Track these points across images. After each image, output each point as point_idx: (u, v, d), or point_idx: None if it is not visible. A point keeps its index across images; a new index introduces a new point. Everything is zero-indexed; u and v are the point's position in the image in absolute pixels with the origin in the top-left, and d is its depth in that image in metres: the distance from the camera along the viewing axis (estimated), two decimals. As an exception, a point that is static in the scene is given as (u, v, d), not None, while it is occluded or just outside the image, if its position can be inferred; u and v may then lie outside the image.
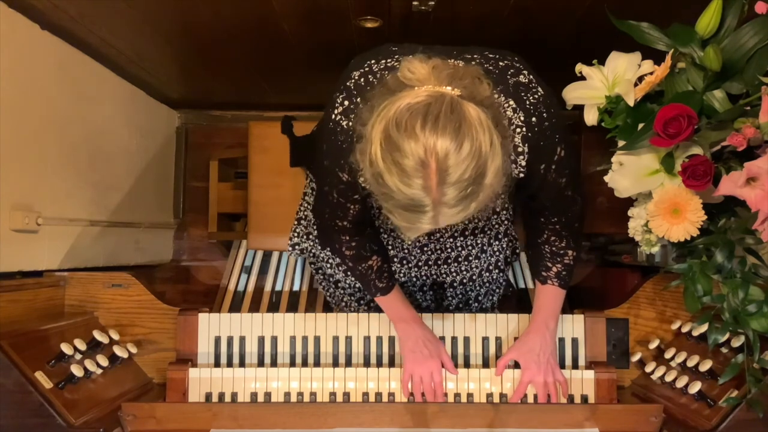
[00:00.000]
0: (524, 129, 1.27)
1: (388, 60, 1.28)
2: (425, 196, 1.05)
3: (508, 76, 1.28)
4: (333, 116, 1.28)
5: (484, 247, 1.69)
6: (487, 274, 1.74)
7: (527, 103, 1.27)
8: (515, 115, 1.26)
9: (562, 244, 1.50)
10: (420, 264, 1.72)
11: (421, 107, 1.04)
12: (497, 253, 1.71)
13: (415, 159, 1.02)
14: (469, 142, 1.03)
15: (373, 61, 1.29)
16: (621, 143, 1.33)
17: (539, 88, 1.29)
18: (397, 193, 1.05)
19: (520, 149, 1.28)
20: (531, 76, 1.29)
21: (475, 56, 1.29)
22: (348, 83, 1.28)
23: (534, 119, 1.27)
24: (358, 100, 1.25)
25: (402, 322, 1.62)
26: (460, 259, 1.70)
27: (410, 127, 1.03)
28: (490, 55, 1.30)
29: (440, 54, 1.20)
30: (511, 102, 1.26)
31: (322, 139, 1.34)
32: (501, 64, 1.29)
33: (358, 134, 1.17)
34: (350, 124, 1.25)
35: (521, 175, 1.31)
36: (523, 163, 1.30)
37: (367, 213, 1.48)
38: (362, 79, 1.27)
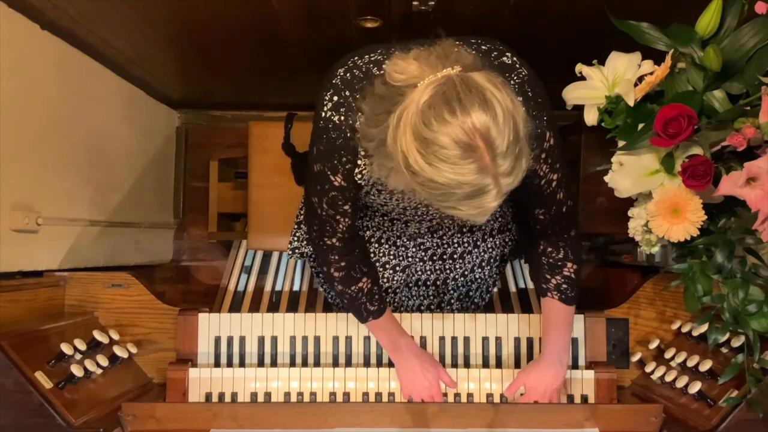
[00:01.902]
0: None
1: (372, 54, 1.27)
2: (485, 177, 1.02)
3: (492, 58, 1.27)
4: (323, 114, 1.27)
5: (478, 243, 1.69)
6: (479, 270, 1.74)
7: (512, 82, 1.25)
8: None
9: (560, 255, 1.47)
10: (416, 260, 1.72)
11: (439, 98, 1.02)
12: (490, 250, 1.71)
13: (461, 146, 1.00)
14: (499, 107, 1.02)
15: (356, 57, 1.28)
16: (621, 143, 1.33)
17: (523, 69, 1.27)
18: (455, 186, 1.03)
19: None
20: (515, 58, 1.28)
21: (457, 42, 1.28)
22: (334, 80, 1.27)
23: (520, 98, 1.23)
24: (347, 93, 1.24)
25: (396, 352, 1.60)
26: (455, 256, 1.71)
27: (440, 119, 1.00)
28: (472, 40, 1.29)
29: (418, 45, 1.18)
30: None
31: (314, 141, 1.32)
32: (484, 47, 1.28)
33: (363, 149, 1.15)
34: (342, 118, 1.24)
35: None
36: None
37: (356, 231, 1.46)
38: (348, 74, 1.26)
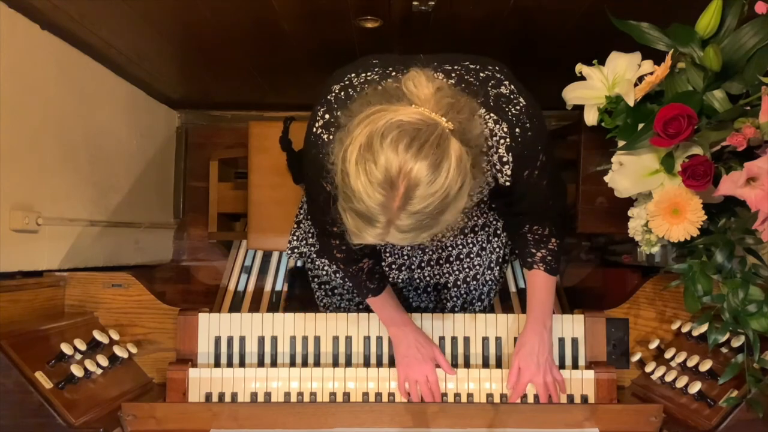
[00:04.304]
0: (508, 140, 1.27)
1: (368, 73, 1.29)
2: (381, 213, 1.05)
3: (489, 87, 1.28)
4: (314, 129, 1.28)
5: (484, 245, 1.70)
6: (489, 272, 1.74)
7: (509, 114, 1.27)
8: (497, 126, 1.26)
9: (545, 232, 1.51)
10: (423, 265, 1.72)
11: (411, 129, 1.03)
12: (497, 250, 1.71)
13: (386, 175, 1.02)
14: (443, 180, 1.04)
15: (353, 75, 1.29)
16: (621, 143, 1.33)
17: (521, 98, 1.29)
18: (356, 199, 1.06)
19: (505, 159, 1.29)
20: (512, 86, 1.30)
21: (456, 68, 1.29)
22: (328, 96, 1.29)
23: (518, 130, 1.27)
24: (339, 113, 1.25)
25: (394, 326, 1.62)
26: (462, 257, 1.70)
27: (394, 143, 1.02)
28: (471, 66, 1.30)
29: (422, 66, 1.19)
30: (492, 115, 1.26)
31: (305, 149, 1.35)
32: (482, 75, 1.29)
33: (342, 117, 1.17)
34: (331, 137, 1.25)
35: (507, 183, 1.32)
36: (509, 173, 1.31)
37: None
38: (342, 93, 1.28)
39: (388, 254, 1.70)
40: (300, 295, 2.44)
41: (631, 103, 1.32)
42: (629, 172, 1.32)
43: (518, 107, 1.28)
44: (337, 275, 1.79)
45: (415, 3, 1.63)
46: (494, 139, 1.26)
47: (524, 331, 1.61)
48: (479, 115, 1.17)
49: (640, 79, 1.33)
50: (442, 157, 1.04)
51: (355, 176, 1.05)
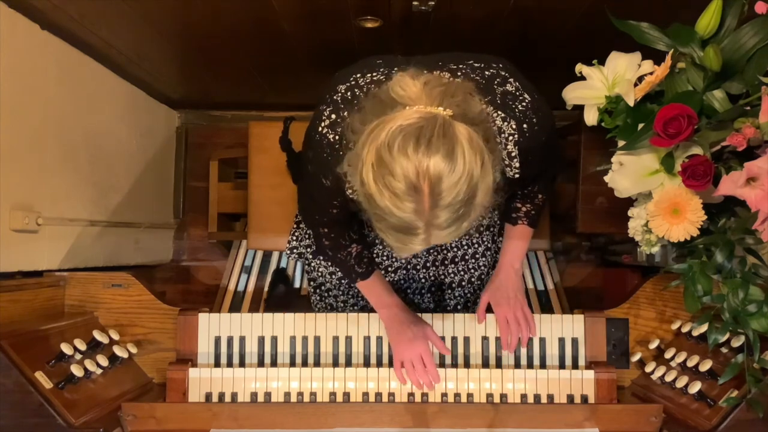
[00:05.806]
0: (516, 136, 1.28)
1: (374, 74, 1.29)
2: (417, 219, 1.05)
3: (495, 86, 1.29)
4: (320, 129, 1.28)
5: (489, 245, 1.70)
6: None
7: (517, 111, 1.28)
8: (505, 124, 1.27)
9: (535, 189, 1.55)
10: (428, 265, 1.72)
11: (414, 130, 1.03)
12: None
13: (407, 182, 1.02)
14: (462, 165, 1.04)
15: (358, 75, 1.30)
16: (621, 143, 1.33)
17: (526, 95, 1.30)
18: (388, 215, 1.06)
19: (513, 154, 1.30)
20: (517, 83, 1.30)
21: (461, 66, 1.30)
22: (335, 96, 1.29)
23: (525, 126, 1.28)
24: (345, 114, 1.25)
25: (384, 308, 1.63)
26: (467, 257, 1.70)
27: (402, 149, 1.02)
28: (476, 65, 1.31)
29: (426, 65, 1.20)
30: (500, 113, 1.27)
31: (308, 147, 1.35)
32: (487, 73, 1.30)
33: (347, 141, 1.17)
34: (336, 137, 1.26)
35: (516, 176, 1.33)
36: (517, 165, 1.32)
37: (348, 216, 1.48)
38: (348, 93, 1.28)
39: (385, 257, 1.70)
40: (278, 297, 2.43)
41: (631, 103, 1.32)
42: (629, 172, 1.32)
43: (524, 103, 1.29)
44: (333, 276, 1.79)
45: (415, 3, 1.63)
46: (503, 136, 1.27)
47: (494, 273, 1.65)
48: (478, 98, 1.17)
49: (640, 79, 1.33)
50: (453, 144, 1.04)
51: (379, 195, 1.05)
